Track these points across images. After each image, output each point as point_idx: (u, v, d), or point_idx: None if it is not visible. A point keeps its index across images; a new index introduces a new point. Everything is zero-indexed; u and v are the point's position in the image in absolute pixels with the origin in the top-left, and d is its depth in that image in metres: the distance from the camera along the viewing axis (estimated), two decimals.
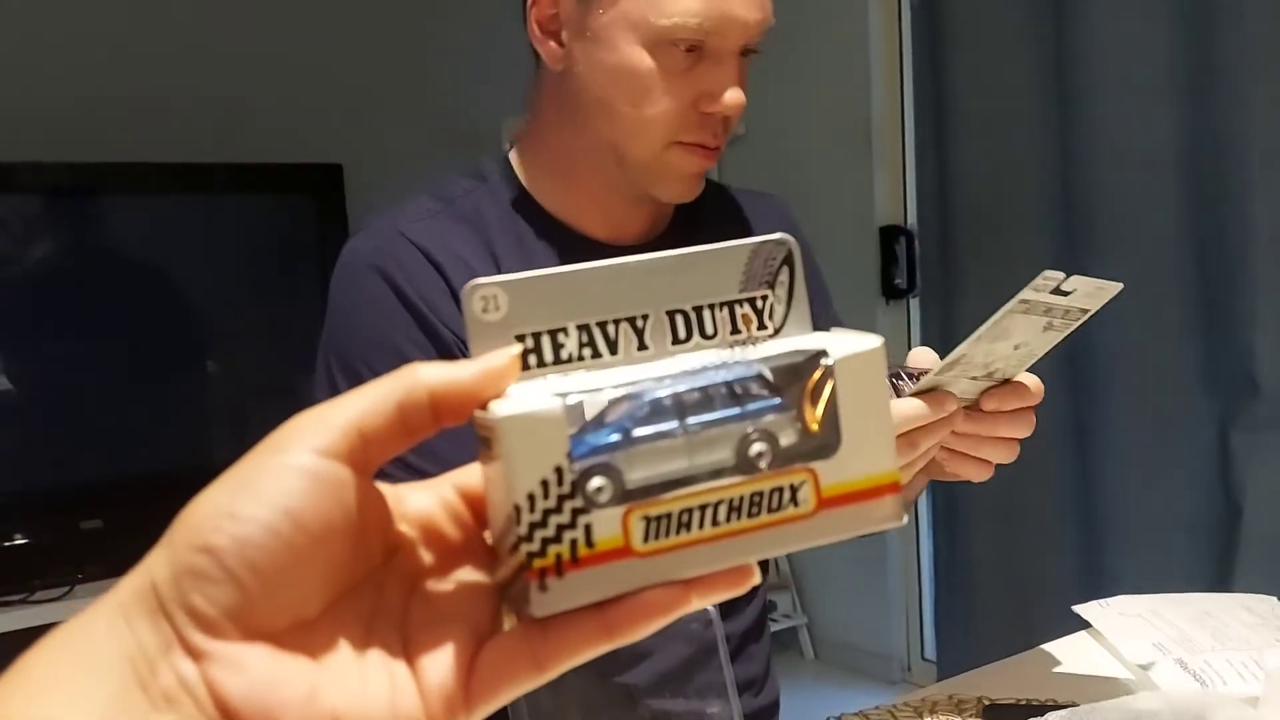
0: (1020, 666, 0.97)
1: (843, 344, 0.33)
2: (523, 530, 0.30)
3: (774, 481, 0.32)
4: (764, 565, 1.08)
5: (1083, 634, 1.02)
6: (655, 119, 0.85)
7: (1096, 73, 2.01)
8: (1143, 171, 1.97)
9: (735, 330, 0.35)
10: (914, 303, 2.64)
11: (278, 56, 2.45)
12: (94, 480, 2.11)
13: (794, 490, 0.32)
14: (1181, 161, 1.92)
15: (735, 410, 0.32)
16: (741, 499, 0.32)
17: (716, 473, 0.32)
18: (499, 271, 0.88)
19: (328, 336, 0.89)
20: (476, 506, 0.34)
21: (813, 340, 0.34)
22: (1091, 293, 0.75)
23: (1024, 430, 0.80)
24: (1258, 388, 1.83)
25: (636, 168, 0.88)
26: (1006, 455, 0.81)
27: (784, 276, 0.35)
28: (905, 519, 0.34)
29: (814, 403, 0.33)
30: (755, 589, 1.18)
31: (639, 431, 0.31)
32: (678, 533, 0.31)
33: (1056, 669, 0.96)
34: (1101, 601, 1.04)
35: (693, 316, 0.34)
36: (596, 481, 0.31)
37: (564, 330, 0.33)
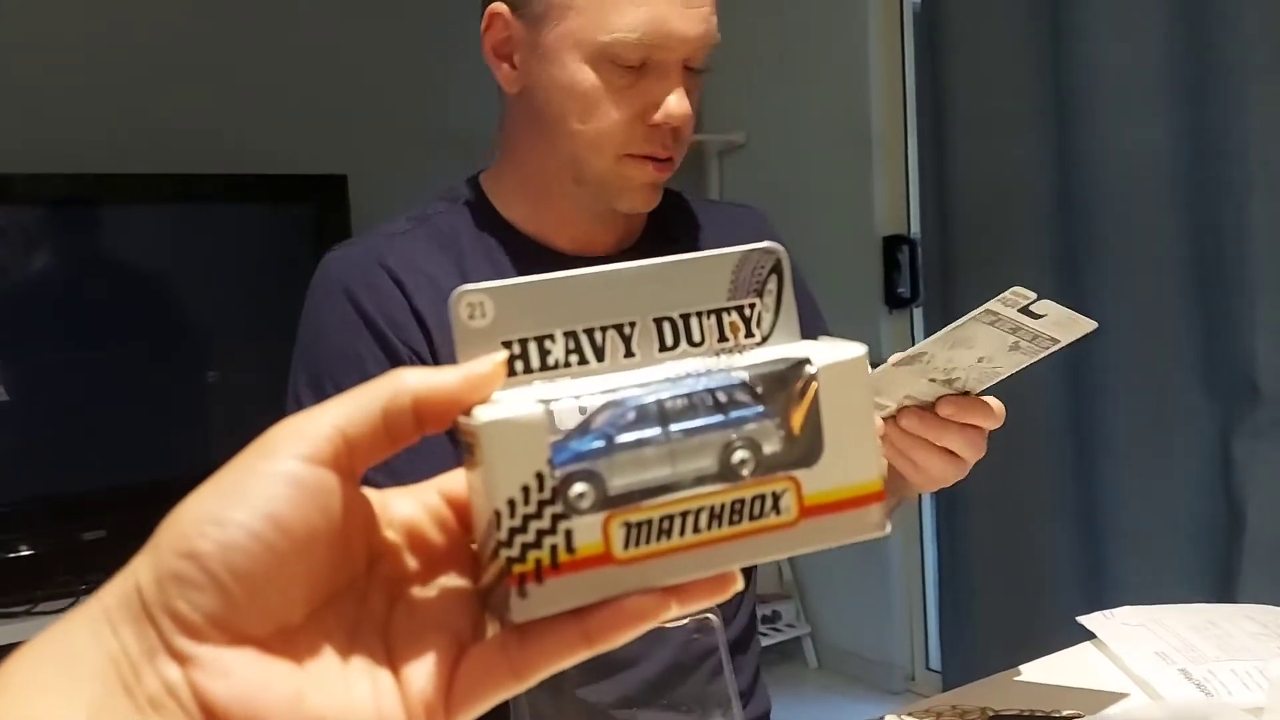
0: (1024, 677, 0.97)
1: (826, 353, 0.33)
2: (503, 535, 0.30)
3: (756, 490, 0.32)
4: (748, 573, 1.08)
5: (1087, 644, 1.02)
6: (605, 133, 0.88)
7: (1096, 79, 2.01)
8: (1143, 177, 1.97)
9: (723, 338, 0.35)
10: (917, 312, 2.64)
11: (283, 67, 2.45)
12: (96, 490, 2.11)
13: (776, 498, 0.32)
14: (1182, 166, 1.92)
15: (719, 418, 0.32)
16: (723, 507, 0.32)
17: (699, 480, 0.32)
18: None
19: (298, 354, 0.91)
20: (462, 512, 0.34)
21: (797, 349, 0.34)
22: (1063, 322, 0.75)
23: (971, 450, 0.81)
24: (1259, 392, 1.83)
25: (593, 181, 0.91)
26: (949, 471, 0.81)
27: (772, 285, 0.35)
28: (889, 529, 0.34)
29: (797, 411, 0.33)
30: (741, 598, 1.18)
31: (622, 438, 0.31)
32: (659, 540, 0.31)
33: (1060, 680, 0.96)
34: (1105, 612, 1.03)
35: (680, 324, 0.34)
36: (579, 487, 0.31)
37: (551, 337, 0.33)
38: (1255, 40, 1.78)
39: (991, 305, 0.73)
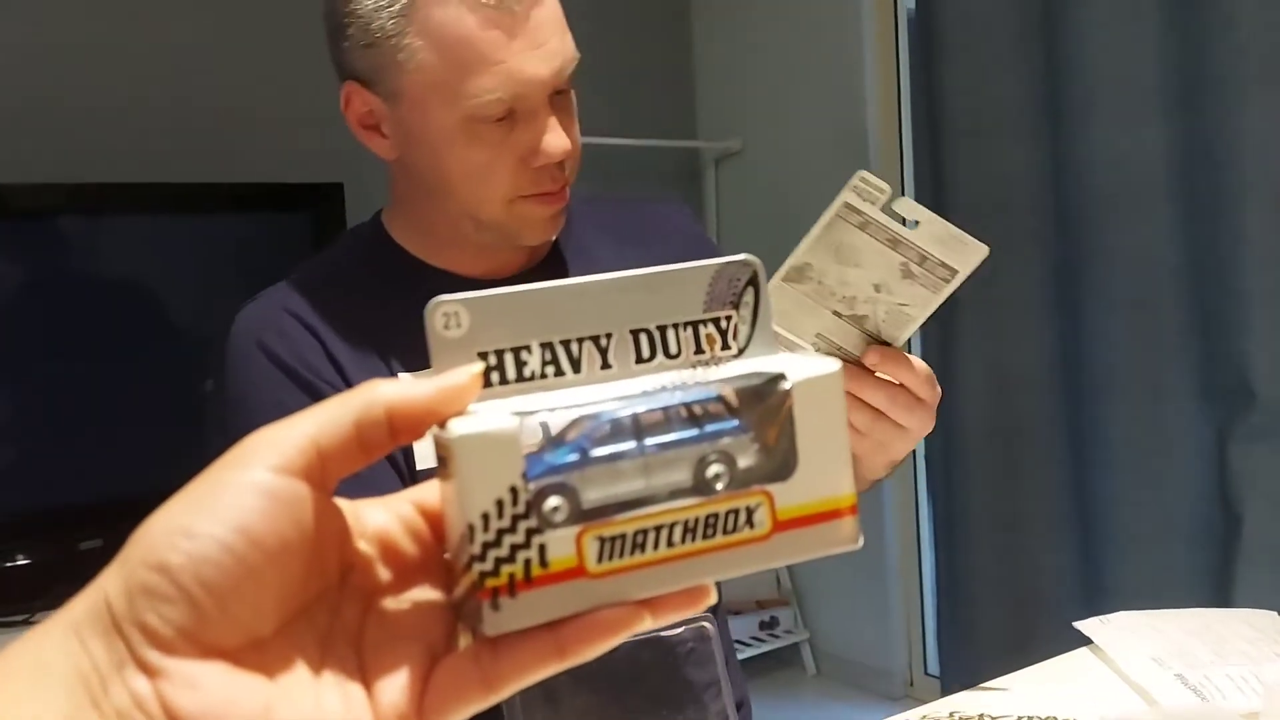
0: (1022, 682, 0.97)
1: (801, 368, 0.33)
2: (476, 549, 0.30)
3: (730, 504, 0.32)
4: (719, 584, 1.08)
5: (1083, 650, 1.02)
6: (491, 188, 0.88)
7: (1091, 85, 2.02)
8: (1138, 182, 1.97)
9: (699, 350, 0.35)
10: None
11: (278, 75, 2.46)
12: (94, 501, 2.11)
13: (750, 512, 0.32)
14: (1176, 172, 1.93)
15: (693, 432, 0.32)
16: (697, 520, 0.32)
17: (673, 494, 0.32)
18: (376, 324, 0.90)
19: (222, 408, 0.92)
20: (436, 524, 0.34)
21: (772, 363, 0.34)
22: (944, 239, 0.75)
23: (904, 413, 0.78)
24: (1254, 397, 1.83)
25: (491, 227, 0.91)
26: (880, 429, 0.79)
27: (748, 297, 0.35)
28: (861, 541, 0.34)
29: (772, 425, 0.33)
30: (715, 609, 1.18)
31: (597, 452, 0.31)
32: (632, 553, 0.31)
33: (1057, 685, 0.96)
34: (1102, 617, 1.04)
35: (656, 336, 0.34)
36: (553, 501, 0.31)
37: (527, 348, 0.33)
38: (1248, 47, 1.79)
39: (845, 197, 0.74)
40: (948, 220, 0.77)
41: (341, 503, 0.33)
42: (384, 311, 0.91)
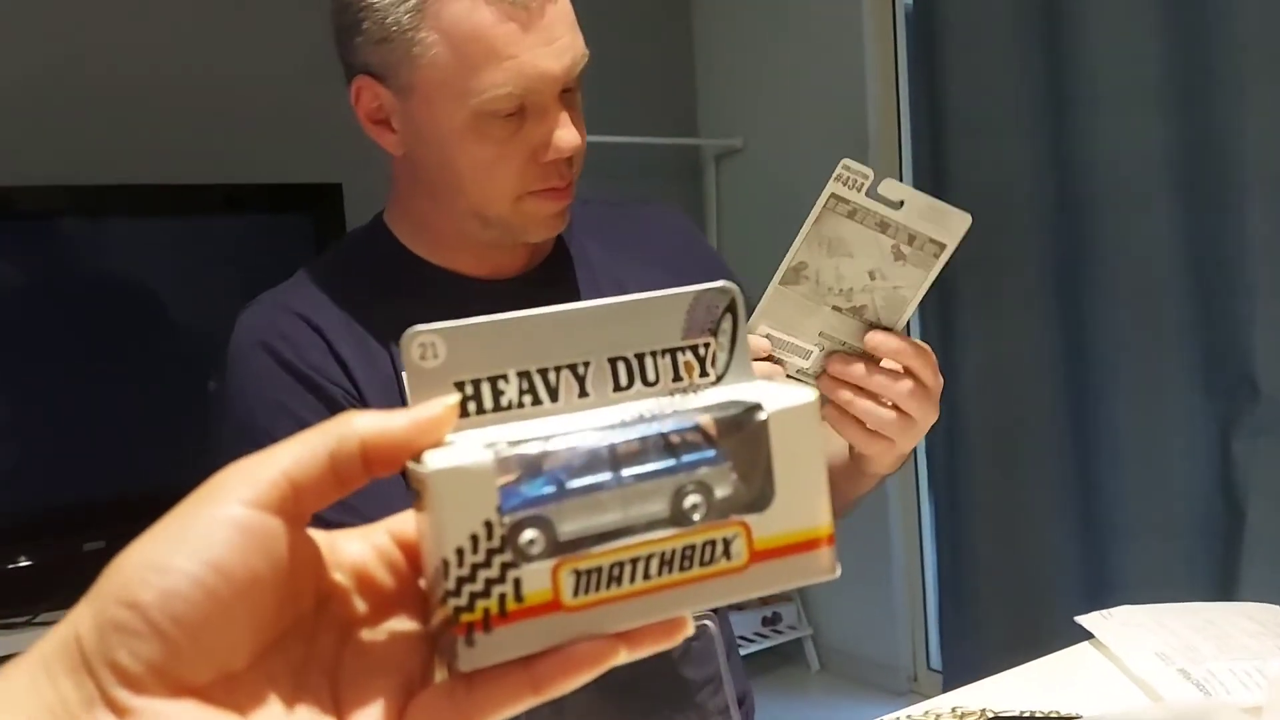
0: (1024, 677, 0.97)
1: (778, 397, 0.33)
2: (450, 585, 0.30)
3: (707, 535, 0.32)
4: None
5: (1086, 644, 1.02)
6: (500, 184, 0.89)
7: (1091, 80, 2.01)
8: (1139, 177, 1.97)
9: (677, 377, 0.34)
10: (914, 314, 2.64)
11: (277, 76, 2.46)
12: (96, 501, 2.11)
13: (727, 544, 0.32)
14: (1177, 166, 1.93)
15: (670, 462, 0.32)
16: (674, 552, 0.32)
17: (650, 525, 0.32)
18: (380, 323, 0.90)
19: (226, 415, 0.92)
20: (412, 554, 0.34)
21: (749, 392, 0.34)
22: (928, 214, 0.75)
23: (906, 398, 0.78)
24: (1258, 392, 1.83)
25: (499, 224, 0.92)
26: (888, 425, 0.79)
27: (726, 324, 0.35)
28: (838, 571, 0.33)
29: (749, 455, 0.33)
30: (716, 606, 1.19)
31: (573, 483, 0.31)
32: (608, 587, 0.31)
33: (1060, 680, 0.96)
34: (1104, 612, 1.04)
35: (634, 363, 0.34)
36: (528, 534, 0.30)
37: (504, 377, 0.33)
38: (1250, 43, 1.78)
39: (831, 188, 0.73)
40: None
41: (316, 534, 0.32)
42: (388, 311, 0.92)
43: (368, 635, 0.33)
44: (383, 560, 0.34)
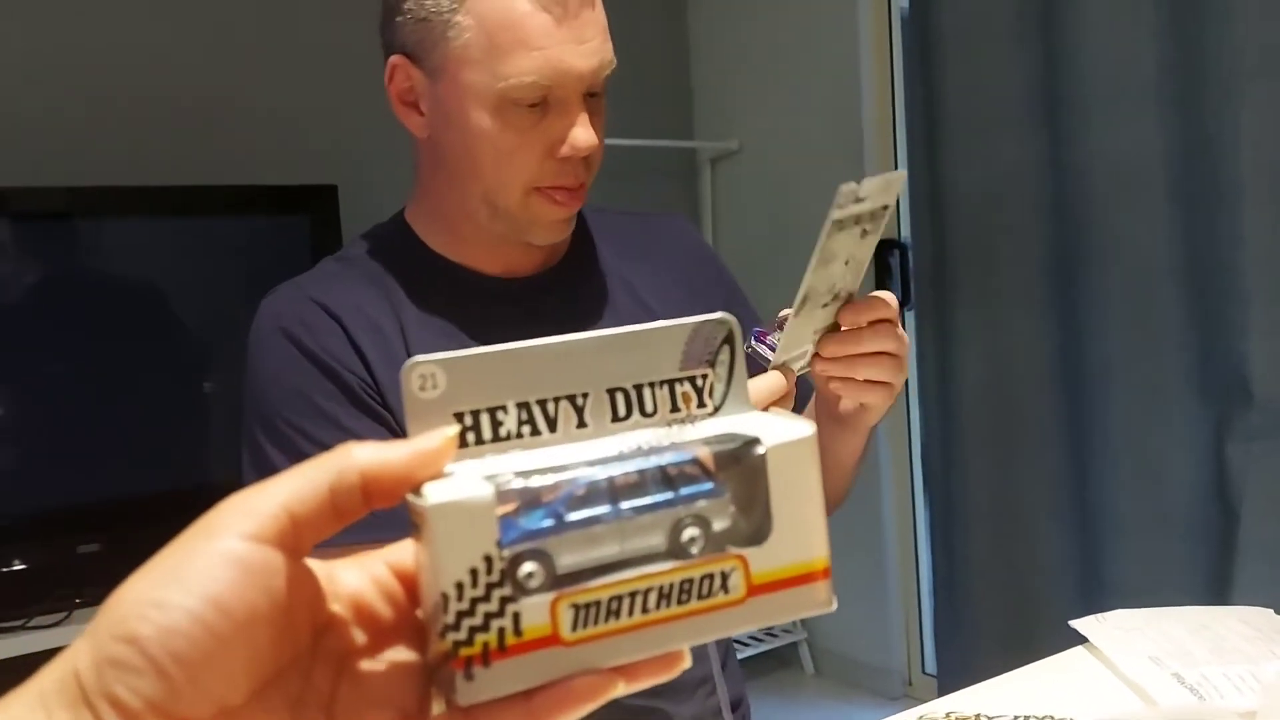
0: (1018, 681, 0.98)
1: (776, 431, 0.33)
2: (450, 618, 0.30)
3: (705, 568, 0.32)
4: None
5: (1080, 648, 1.02)
6: (514, 172, 0.90)
7: (1087, 82, 2.01)
8: (1135, 180, 1.97)
9: (675, 408, 0.35)
10: (910, 315, 2.65)
11: (273, 78, 2.46)
12: (91, 503, 2.10)
13: (724, 577, 0.32)
14: (1173, 170, 1.93)
15: (669, 495, 0.32)
16: (672, 586, 0.32)
17: (648, 558, 0.32)
18: (398, 316, 0.92)
19: (248, 403, 0.93)
20: (410, 584, 0.34)
21: (747, 425, 0.34)
22: (883, 189, 0.77)
23: (891, 342, 0.82)
24: (1252, 396, 1.83)
25: (506, 217, 0.93)
26: (886, 372, 0.83)
27: (724, 355, 0.35)
28: (835, 605, 0.34)
29: (747, 489, 0.33)
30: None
31: (572, 516, 0.31)
32: (606, 620, 0.31)
33: (1055, 684, 0.96)
34: (1098, 616, 1.04)
35: (633, 394, 0.34)
36: (528, 567, 0.30)
37: (503, 408, 0.33)
38: (1245, 45, 1.79)
39: (833, 215, 0.76)
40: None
41: (314, 564, 0.32)
42: (406, 304, 0.94)
43: (364, 667, 0.33)
44: (380, 591, 0.34)
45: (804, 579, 0.33)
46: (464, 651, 0.30)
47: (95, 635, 0.29)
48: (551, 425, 0.33)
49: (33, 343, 2.09)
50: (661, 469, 0.32)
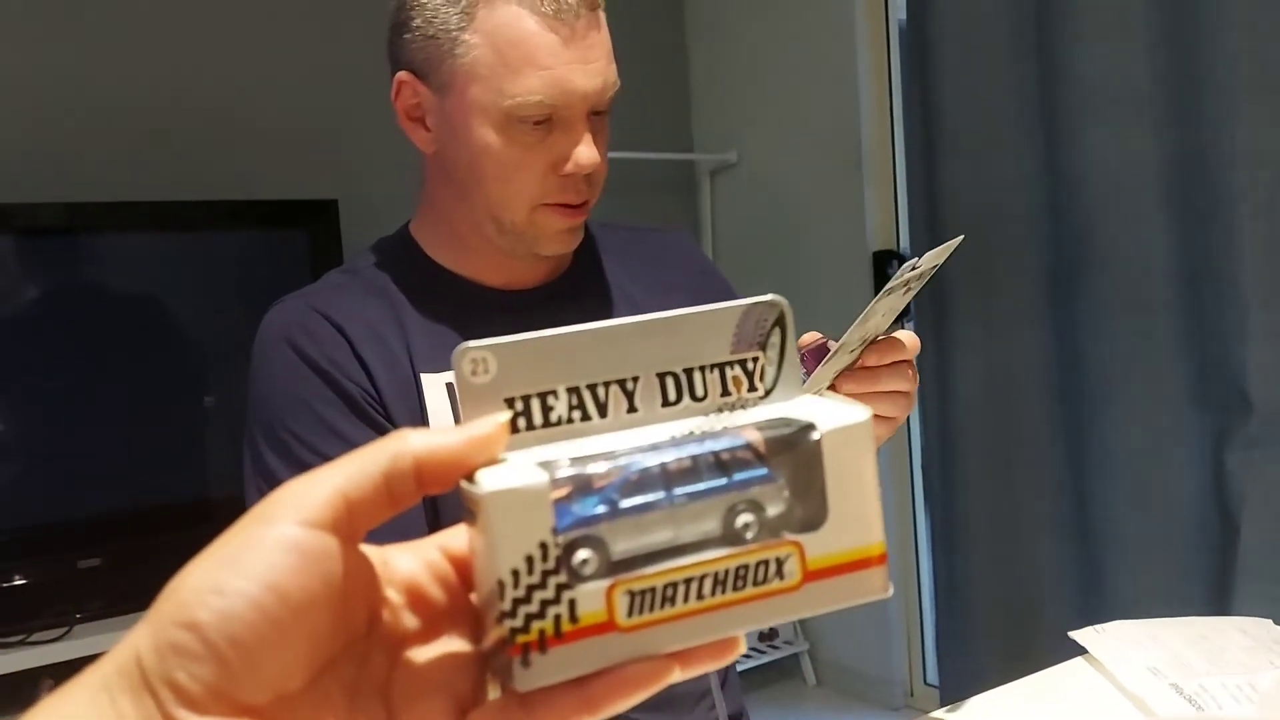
0: (1019, 692, 0.98)
1: (831, 415, 0.33)
2: (506, 606, 0.30)
3: (760, 554, 0.32)
4: None
5: (1079, 660, 1.02)
6: (519, 188, 0.92)
7: (1083, 94, 2.02)
8: (1131, 191, 1.98)
9: (725, 392, 0.34)
10: (908, 326, 2.65)
11: (273, 93, 2.46)
12: (91, 518, 2.10)
13: (780, 563, 0.32)
14: (1169, 180, 1.93)
15: (722, 481, 0.32)
16: (727, 572, 0.32)
17: (702, 544, 0.31)
18: (402, 328, 0.93)
19: (251, 407, 0.94)
20: (463, 569, 0.34)
21: (801, 410, 0.34)
22: (937, 255, 0.81)
23: (905, 383, 0.87)
24: (1251, 405, 1.83)
25: (513, 232, 0.95)
26: (896, 409, 0.88)
27: (775, 338, 0.35)
28: (891, 590, 0.33)
29: (802, 474, 0.32)
30: None
31: (625, 503, 0.31)
32: (662, 607, 0.31)
33: (1055, 695, 0.96)
34: (1097, 627, 1.04)
35: (683, 378, 0.34)
36: (582, 554, 0.30)
37: (553, 393, 0.33)
38: (1240, 57, 1.79)
39: (890, 285, 0.80)
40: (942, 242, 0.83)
41: (369, 550, 0.33)
42: (410, 316, 0.95)
43: (420, 653, 0.33)
44: (434, 576, 0.34)
45: (861, 564, 0.33)
46: (520, 638, 0.30)
47: (156, 620, 0.29)
48: (602, 410, 0.33)
49: (33, 357, 2.09)
50: (714, 454, 0.32)
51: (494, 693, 0.32)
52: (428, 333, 0.94)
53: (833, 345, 0.83)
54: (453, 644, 0.33)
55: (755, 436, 0.32)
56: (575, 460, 0.31)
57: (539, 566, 0.30)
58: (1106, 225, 2.02)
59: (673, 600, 0.31)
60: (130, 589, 1.94)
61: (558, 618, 0.30)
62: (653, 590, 0.31)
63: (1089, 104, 2.01)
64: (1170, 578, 1.96)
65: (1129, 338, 2.00)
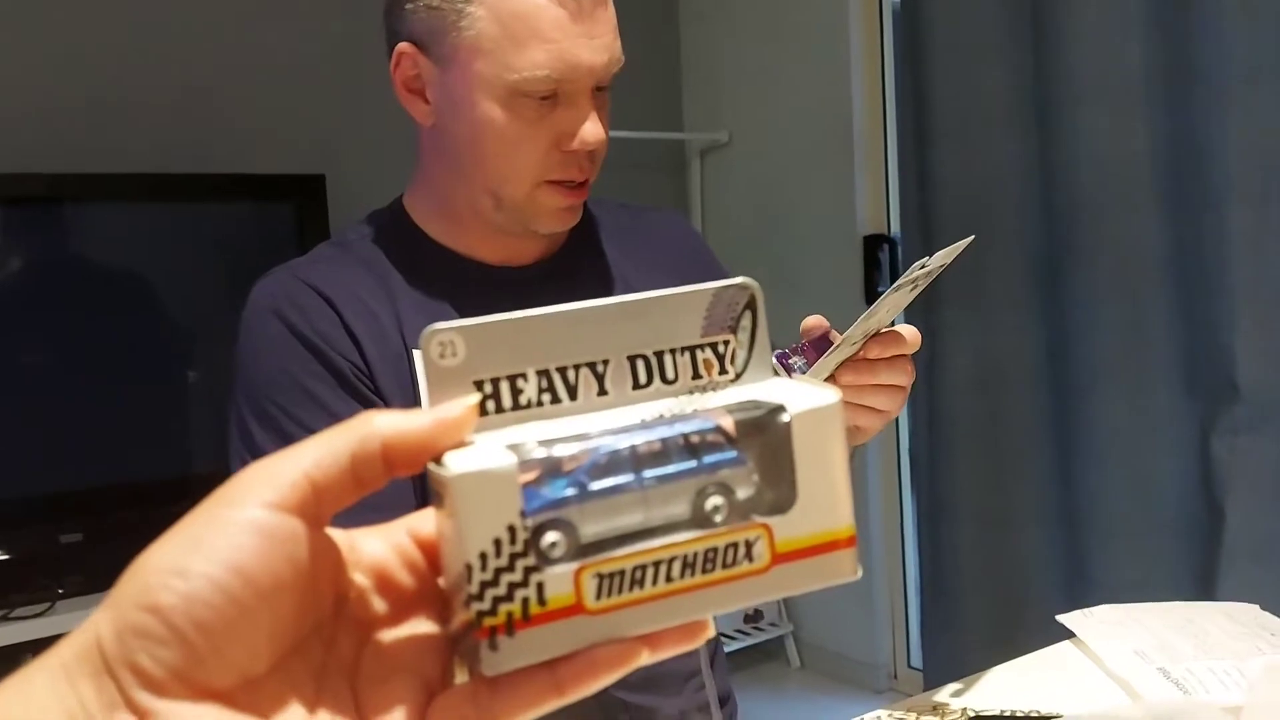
0: (1004, 676, 0.98)
1: (801, 398, 0.33)
2: (474, 589, 0.30)
3: (729, 537, 0.32)
4: None
5: (1066, 643, 1.02)
6: (521, 165, 0.91)
7: (1076, 80, 2.02)
8: (1122, 177, 1.98)
9: (696, 375, 0.34)
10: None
11: (262, 67, 2.44)
12: (73, 492, 2.09)
13: (749, 546, 0.32)
14: (1161, 167, 1.93)
15: (692, 463, 0.32)
16: (696, 555, 0.31)
17: (672, 527, 0.31)
18: (393, 303, 0.91)
19: (237, 380, 0.92)
20: (431, 552, 0.33)
21: (771, 392, 0.34)
22: (947, 254, 0.81)
23: (902, 377, 0.87)
24: (1238, 391, 1.84)
25: (511, 208, 0.93)
26: (891, 403, 0.88)
27: (746, 321, 0.35)
28: (860, 573, 0.33)
29: (771, 457, 0.32)
30: None
31: (595, 485, 0.31)
32: (630, 590, 0.31)
33: (1040, 678, 0.96)
34: (1084, 611, 1.04)
35: (654, 361, 0.34)
36: (551, 536, 0.30)
37: (523, 376, 0.32)
38: (1234, 46, 1.79)
39: (899, 283, 0.80)
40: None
41: (336, 533, 0.32)
42: (402, 291, 0.93)
43: (387, 636, 0.33)
44: (402, 559, 0.33)
45: (829, 547, 0.33)
46: (488, 621, 0.30)
47: (118, 604, 0.28)
48: (572, 393, 0.33)
49: (15, 330, 2.07)
50: (684, 437, 0.32)
51: (461, 676, 0.32)
52: (420, 308, 0.93)
53: (835, 336, 0.83)
54: (420, 628, 0.33)
55: (725, 419, 0.32)
56: (544, 443, 0.31)
57: (507, 549, 0.30)
58: (1097, 212, 2.02)
59: (641, 583, 0.31)
60: (112, 564, 1.87)
61: (525, 601, 0.30)
62: (621, 573, 0.31)
63: (1081, 93, 2.01)
64: (1156, 563, 1.97)
65: (1118, 324, 2.00)
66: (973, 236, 0.84)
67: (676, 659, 0.98)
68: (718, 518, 0.32)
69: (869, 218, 2.70)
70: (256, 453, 0.86)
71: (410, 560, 0.33)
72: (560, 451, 0.31)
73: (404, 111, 0.96)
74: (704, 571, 0.32)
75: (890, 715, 0.91)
